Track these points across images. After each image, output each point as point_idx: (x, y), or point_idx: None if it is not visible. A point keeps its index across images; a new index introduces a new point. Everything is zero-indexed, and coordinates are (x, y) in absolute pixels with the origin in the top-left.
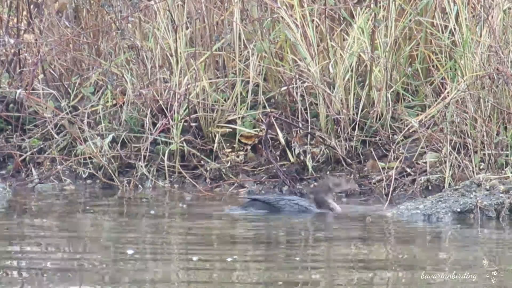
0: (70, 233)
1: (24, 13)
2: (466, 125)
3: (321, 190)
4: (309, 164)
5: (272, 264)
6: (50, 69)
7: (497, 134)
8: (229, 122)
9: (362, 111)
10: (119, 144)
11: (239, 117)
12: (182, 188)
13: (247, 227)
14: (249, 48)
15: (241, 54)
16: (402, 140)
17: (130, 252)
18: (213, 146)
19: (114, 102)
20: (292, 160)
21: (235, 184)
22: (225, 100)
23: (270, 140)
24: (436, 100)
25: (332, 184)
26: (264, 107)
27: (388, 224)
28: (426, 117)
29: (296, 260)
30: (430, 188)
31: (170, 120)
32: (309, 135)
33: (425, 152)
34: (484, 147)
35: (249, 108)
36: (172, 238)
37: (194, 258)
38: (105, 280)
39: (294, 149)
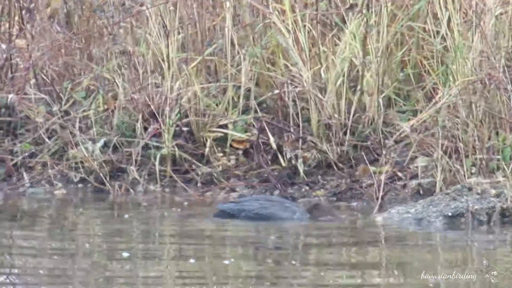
0: (61, 237)
1: (16, 18)
2: (458, 129)
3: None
4: (301, 168)
5: None
6: (42, 74)
7: (489, 139)
8: (221, 126)
9: (353, 116)
10: (110, 149)
11: (230, 122)
12: (174, 193)
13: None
14: (241, 53)
15: (233, 59)
16: (394, 145)
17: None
18: (205, 151)
19: (106, 107)
20: (283, 164)
21: (226, 188)
22: (216, 105)
23: (261, 145)
24: (427, 105)
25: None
26: (256, 111)
27: (378, 228)
28: (417, 122)
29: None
30: (421, 192)
31: (162, 124)
32: (300, 140)
33: (416, 157)
34: (475, 151)
35: (240, 113)
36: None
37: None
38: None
39: (286, 154)
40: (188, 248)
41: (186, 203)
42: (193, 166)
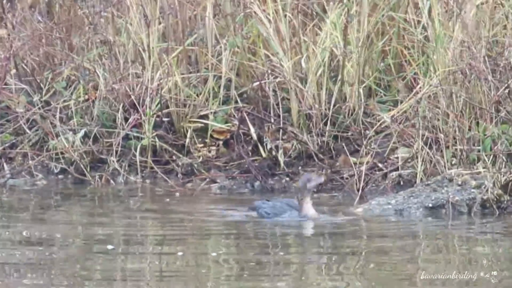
0: (42, 227)
1: None
2: (438, 120)
3: (298, 189)
4: (281, 159)
5: None
6: (23, 64)
7: (469, 130)
8: (201, 117)
9: (334, 106)
10: (91, 139)
11: (211, 112)
12: (154, 183)
13: None
14: (222, 43)
15: (213, 49)
16: (374, 136)
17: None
18: (185, 141)
19: (86, 97)
20: (264, 155)
21: (207, 179)
22: (197, 95)
23: (242, 135)
24: (408, 96)
25: (304, 181)
26: (236, 102)
27: (359, 220)
28: (398, 112)
29: None
30: (401, 183)
31: (142, 115)
32: (281, 130)
33: (397, 147)
34: (456, 142)
35: (221, 103)
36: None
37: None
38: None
39: (266, 144)
40: (173, 238)
41: (177, 193)
42: (174, 157)
